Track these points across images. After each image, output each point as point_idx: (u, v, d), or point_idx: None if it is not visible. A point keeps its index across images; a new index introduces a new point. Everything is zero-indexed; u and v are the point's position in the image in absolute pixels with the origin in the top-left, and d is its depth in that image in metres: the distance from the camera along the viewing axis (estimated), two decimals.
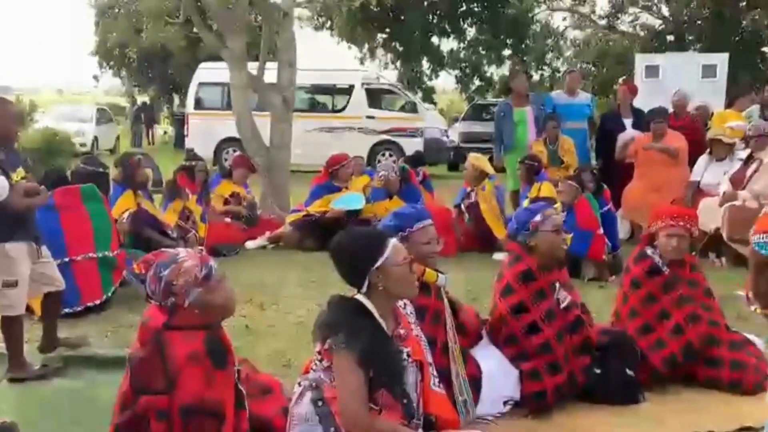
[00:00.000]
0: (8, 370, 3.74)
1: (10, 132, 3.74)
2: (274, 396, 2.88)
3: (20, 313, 3.80)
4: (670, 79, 12.69)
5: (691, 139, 7.50)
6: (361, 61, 25.25)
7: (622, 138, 7.95)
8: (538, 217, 3.51)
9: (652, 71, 14.08)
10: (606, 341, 3.62)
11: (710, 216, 6.35)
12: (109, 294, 5.08)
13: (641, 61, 14.89)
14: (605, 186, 6.79)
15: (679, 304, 3.75)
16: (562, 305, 3.52)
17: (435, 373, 2.86)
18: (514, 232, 3.61)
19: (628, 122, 8.12)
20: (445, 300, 3.36)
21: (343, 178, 7.63)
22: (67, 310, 4.57)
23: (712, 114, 8.96)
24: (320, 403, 2.56)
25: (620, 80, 9.30)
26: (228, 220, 7.57)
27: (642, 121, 7.90)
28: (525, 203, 6.60)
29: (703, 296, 3.86)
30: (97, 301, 4.97)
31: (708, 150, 7.22)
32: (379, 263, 2.60)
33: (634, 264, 3.88)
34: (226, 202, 7.77)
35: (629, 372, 3.55)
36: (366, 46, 25.38)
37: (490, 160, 8.02)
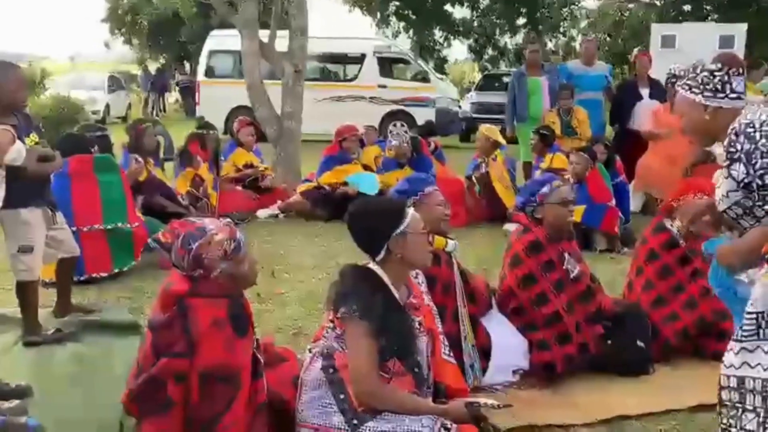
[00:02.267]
0: (23, 334, 3.79)
1: (19, 97, 3.71)
2: (288, 365, 2.91)
3: (36, 279, 3.84)
4: (687, 49, 12.48)
5: None
6: (378, 26, 24.99)
7: (642, 109, 7.85)
8: (545, 189, 3.50)
9: (668, 41, 13.86)
10: (618, 312, 3.62)
11: None
12: (123, 268, 5.08)
13: (657, 31, 14.66)
14: (617, 157, 6.73)
15: (693, 277, 3.74)
16: (572, 275, 3.52)
17: (446, 342, 2.88)
18: (521, 204, 3.61)
19: (645, 92, 8.02)
20: (456, 269, 3.37)
21: (349, 150, 7.60)
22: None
23: None
24: (331, 371, 2.58)
25: (635, 50, 9.14)
26: (239, 188, 7.59)
27: (659, 90, 7.80)
28: (537, 174, 6.58)
29: None
30: (104, 274, 4.97)
31: None
32: (400, 230, 2.61)
33: (652, 236, 3.86)
34: (238, 171, 7.78)
35: (639, 343, 3.56)
36: (378, 13, 25.12)
37: (503, 131, 7.96)
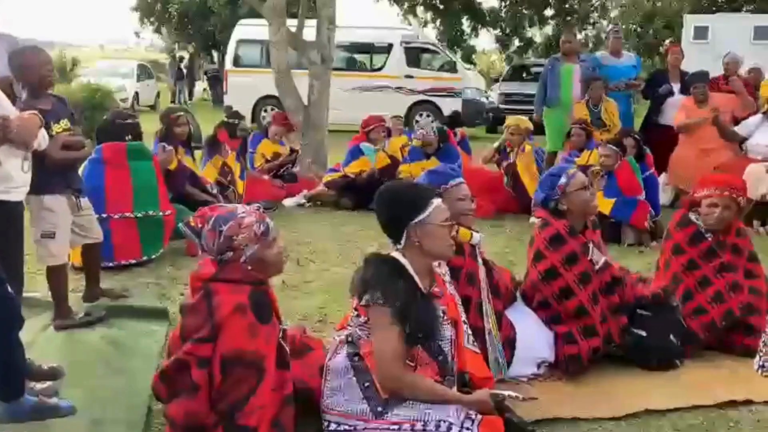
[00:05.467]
0: (54, 317, 3.85)
1: (45, 76, 3.67)
2: (315, 353, 2.92)
3: (62, 263, 3.86)
4: (720, 41, 12.28)
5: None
6: (404, 17, 24.92)
7: (672, 105, 7.75)
8: (563, 179, 3.46)
9: (701, 33, 13.64)
10: (649, 303, 3.59)
11: (756, 182, 6.19)
12: (152, 255, 5.13)
13: (690, 22, 14.42)
14: (648, 150, 6.65)
15: (720, 271, 3.69)
16: (597, 266, 3.49)
17: (469, 331, 2.87)
18: (543, 200, 3.52)
19: (676, 87, 7.92)
20: (480, 261, 3.35)
21: (375, 140, 7.62)
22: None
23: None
24: (356, 358, 2.60)
25: (667, 42, 9.02)
26: (266, 177, 7.65)
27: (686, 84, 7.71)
28: None
29: (747, 262, 3.79)
30: (133, 261, 5.01)
31: (764, 110, 6.99)
32: (419, 218, 2.60)
33: (676, 230, 3.82)
34: (267, 162, 7.87)
35: (672, 337, 3.52)
36: (406, 3, 25.03)
37: (531, 120, 7.89)
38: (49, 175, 3.66)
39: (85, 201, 4.04)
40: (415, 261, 2.64)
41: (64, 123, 3.79)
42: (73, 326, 3.81)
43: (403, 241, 2.64)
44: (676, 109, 7.60)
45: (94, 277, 4.29)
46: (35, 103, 3.58)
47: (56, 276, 3.85)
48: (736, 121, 7.25)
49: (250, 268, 2.53)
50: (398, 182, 2.92)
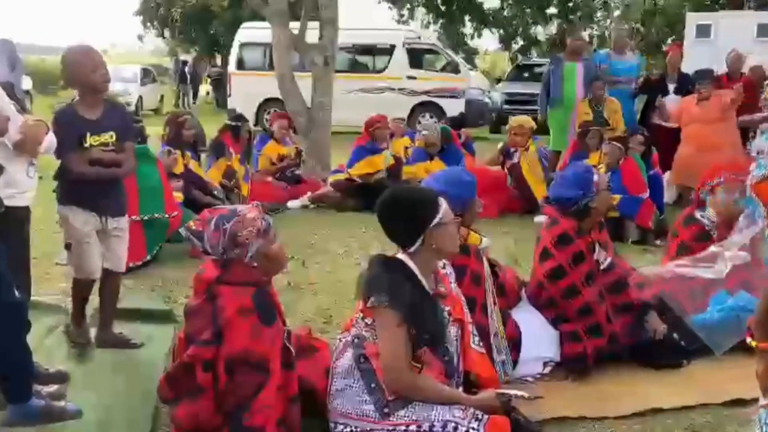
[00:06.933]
0: (68, 323, 3.73)
1: (95, 78, 3.39)
2: (320, 355, 2.93)
3: (79, 277, 3.59)
4: (723, 39, 12.23)
5: (744, 102, 7.26)
6: (399, 20, 24.93)
7: (665, 104, 7.77)
8: (596, 177, 3.47)
9: (703, 31, 13.61)
10: (653, 303, 3.59)
11: None
12: (153, 253, 5.15)
13: (693, 20, 14.39)
14: (654, 149, 6.64)
15: None
16: (603, 266, 3.49)
17: (475, 332, 2.88)
18: (573, 198, 3.42)
19: (672, 87, 7.92)
20: (485, 261, 3.36)
21: (380, 139, 7.63)
22: None
23: None
24: (362, 359, 2.61)
25: (669, 40, 9.03)
26: (270, 179, 7.67)
27: (687, 85, 7.70)
28: None
29: None
30: (139, 262, 5.02)
31: None
32: (436, 221, 2.61)
33: (683, 228, 3.81)
34: (272, 164, 7.89)
35: (675, 335, 3.52)
36: (407, 5, 25.03)
37: (534, 120, 7.90)
38: (70, 187, 3.49)
39: (116, 223, 3.60)
40: (421, 262, 2.65)
41: (107, 137, 3.47)
42: (81, 345, 3.62)
43: (417, 245, 2.63)
44: (671, 107, 7.61)
45: (108, 316, 3.71)
46: (82, 110, 3.42)
47: (75, 285, 3.64)
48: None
49: (255, 265, 2.53)
50: (402, 189, 2.91)
